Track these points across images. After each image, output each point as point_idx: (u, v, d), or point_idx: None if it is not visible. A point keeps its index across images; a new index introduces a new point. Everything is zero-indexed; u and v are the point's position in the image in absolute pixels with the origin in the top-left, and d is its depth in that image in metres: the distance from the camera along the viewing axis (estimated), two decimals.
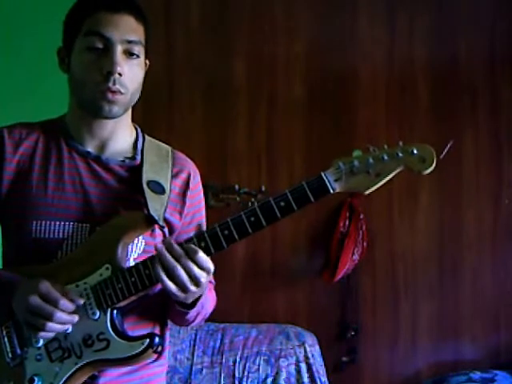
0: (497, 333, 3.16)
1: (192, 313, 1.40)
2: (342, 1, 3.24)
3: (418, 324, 3.19)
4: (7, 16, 3.05)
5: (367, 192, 1.30)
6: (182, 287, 1.28)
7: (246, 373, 2.91)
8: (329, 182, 1.28)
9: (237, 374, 2.91)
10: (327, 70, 3.25)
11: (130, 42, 1.40)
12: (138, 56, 1.41)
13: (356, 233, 3.10)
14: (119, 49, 1.38)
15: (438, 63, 3.20)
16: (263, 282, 3.24)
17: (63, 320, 1.30)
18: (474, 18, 3.18)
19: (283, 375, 2.91)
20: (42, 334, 1.31)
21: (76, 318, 1.32)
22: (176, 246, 1.28)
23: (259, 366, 2.92)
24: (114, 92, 1.38)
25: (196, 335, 3.02)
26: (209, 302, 1.49)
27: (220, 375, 2.91)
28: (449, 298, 3.18)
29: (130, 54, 1.40)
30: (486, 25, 3.18)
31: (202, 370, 2.93)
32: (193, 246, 1.29)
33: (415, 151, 1.27)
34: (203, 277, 1.29)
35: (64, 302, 1.30)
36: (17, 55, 3.06)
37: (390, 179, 1.29)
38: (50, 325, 1.29)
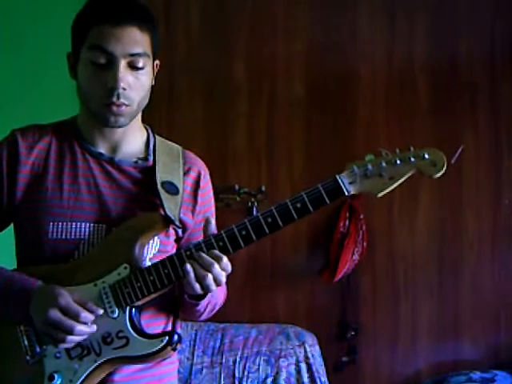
0: (497, 333, 3.16)
1: (203, 303, 1.43)
2: (342, 1, 3.24)
3: (418, 324, 3.19)
4: (7, 15, 3.05)
5: (380, 195, 1.35)
6: (208, 289, 1.35)
7: (246, 373, 2.91)
8: (344, 184, 1.33)
9: (237, 374, 2.91)
10: (327, 70, 3.25)
11: (133, 55, 1.38)
12: (143, 67, 1.40)
13: (356, 233, 3.09)
14: (122, 63, 1.37)
15: (437, 63, 3.20)
16: (263, 281, 3.24)
17: (84, 332, 1.33)
18: (473, 18, 3.18)
19: (283, 375, 2.91)
20: (62, 345, 1.33)
21: (95, 327, 1.34)
22: (206, 257, 1.33)
23: (259, 365, 2.92)
24: (118, 105, 1.39)
25: (196, 335, 3.02)
26: (217, 291, 1.50)
27: (220, 375, 2.91)
28: (449, 297, 3.18)
29: (134, 67, 1.39)
30: (486, 25, 3.18)
31: (202, 369, 2.93)
32: (217, 252, 1.34)
33: (426, 156, 1.33)
34: (224, 276, 1.36)
35: (85, 315, 1.32)
36: (18, 54, 3.06)
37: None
38: (71, 338, 1.32)
